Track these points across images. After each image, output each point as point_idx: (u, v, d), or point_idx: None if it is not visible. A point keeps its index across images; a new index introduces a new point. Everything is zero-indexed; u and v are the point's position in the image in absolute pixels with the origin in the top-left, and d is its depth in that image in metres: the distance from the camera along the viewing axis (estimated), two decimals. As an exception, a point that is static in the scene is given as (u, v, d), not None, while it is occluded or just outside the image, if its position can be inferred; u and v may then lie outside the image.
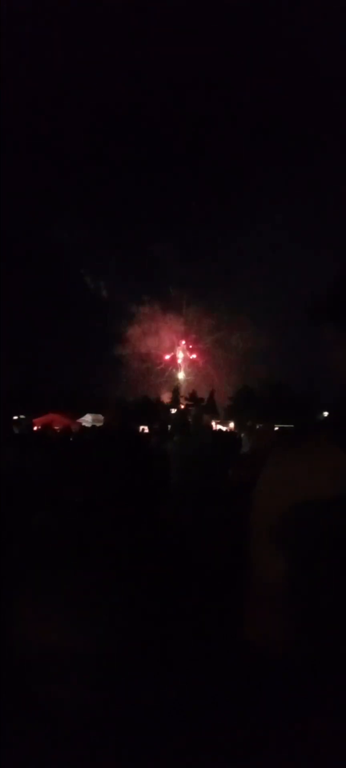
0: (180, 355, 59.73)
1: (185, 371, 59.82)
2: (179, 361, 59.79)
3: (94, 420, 22.14)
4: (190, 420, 5.64)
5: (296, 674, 0.73)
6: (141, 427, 14.89)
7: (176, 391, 55.23)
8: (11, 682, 0.90)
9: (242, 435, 8.29)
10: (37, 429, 11.10)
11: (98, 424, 12.97)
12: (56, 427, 11.96)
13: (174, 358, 59.48)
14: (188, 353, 59.66)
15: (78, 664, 0.91)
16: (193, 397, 50.91)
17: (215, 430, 15.30)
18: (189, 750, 0.76)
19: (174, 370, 59.70)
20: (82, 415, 28.44)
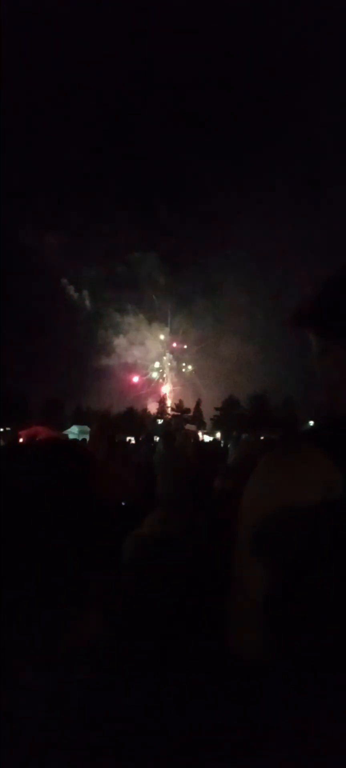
0: (166, 365, 59.34)
1: (172, 381, 59.49)
2: (165, 371, 59.39)
3: (80, 431, 21.94)
4: (174, 430, 5.64)
5: (295, 675, 0.73)
6: (128, 438, 14.79)
7: (162, 402, 54.86)
8: (10, 682, 0.90)
9: (228, 445, 8.29)
10: (22, 441, 10.95)
11: (85, 436, 12.85)
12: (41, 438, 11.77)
13: (160, 368, 59.09)
14: (174, 363, 59.35)
15: (77, 665, 0.91)
16: (179, 408, 50.70)
17: (201, 441, 15.26)
18: (189, 750, 0.76)
19: (160, 381, 59.32)
20: (69, 426, 28.14)
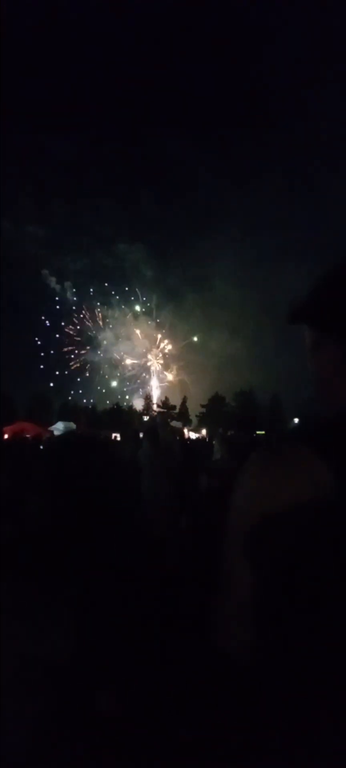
0: (153, 361, 59.04)
1: (158, 377, 59.21)
2: (152, 366, 59.08)
3: (66, 428, 21.80)
4: (159, 427, 5.62)
5: (292, 675, 0.73)
6: (113, 435, 14.75)
7: (148, 398, 54.69)
8: (11, 682, 0.89)
9: (214, 442, 8.31)
10: (7, 437, 10.87)
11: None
12: (27, 435, 11.71)
13: (146, 364, 58.74)
14: (161, 359, 59.03)
15: (76, 665, 0.90)
16: (165, 404, 50.64)
17: (187, 438, 15.28)
18: (189, 750, 0.76)
19: (146, 377, 59.01)
20: (54, 422, 27.97)
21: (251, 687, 0.74)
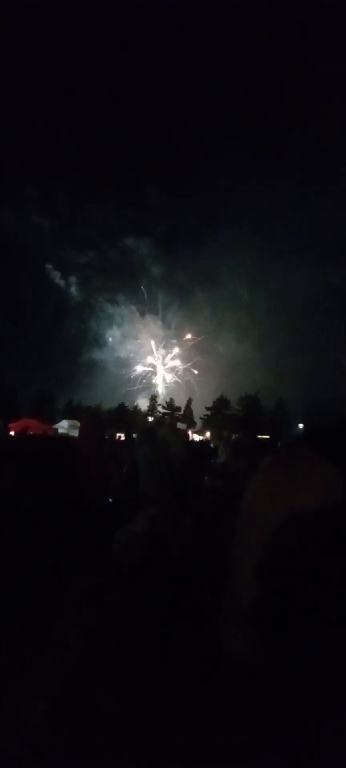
0: (159, 361, 58.91)
1: (164, 378, 59.05)
2: (158, 367, 58.93)
3: (70, 426, 21.91)
4: (161, 428, 5.63)
5: (295, 675, 0.73)
6: (117, 435, 14.80)
7: (153, 399, 54.69)
8: (10, 682, 0.89)
9: (218, 445, 8.31)
10: (13, 435, 10.91)
11: (75, 431, 12.85)
12: (32, 433, 11.77)
13: (152, 364, 58.57)
14: (167, 359, 58.85)
15: (76, 665, 0.90)
16: (170, 406, 50.75)
17: (191, 440, 15.30)
18: (189, 750, 0.76)
19: (152, 377, 58.87)
20: (59, 420, 28.12)
21: (253, 688, 0.74)
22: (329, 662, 0.72)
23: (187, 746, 0.76)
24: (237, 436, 6.72)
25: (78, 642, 0.96)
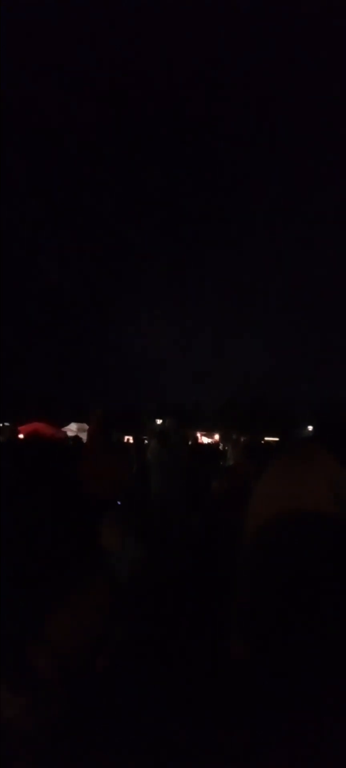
0: (167, 363, 58.42)
1: (171, 377, 58.48)
2: (166, 365, 58.33)
3: (79, 429, 21.95)
4: (171, 430, 5.62)
5: (295, 674, 0.73)
6: (126, 438, 14.83)
7: (161, 402, 54.43)
8: (9, 681, 0.89)
9: (227, 447, 8.29)
10: (22, 437, 10.98)
11: (83, 433, 12.88)
12: (41, 436, 11.82)
13: (161, 362, 57.91)
14: (173, 358, 58.26)
15: (76, 665, 0.91)
16: (178, 407, 50.65)
17: (200, 442, 15.28)
18: (189, 750, 0.76)
19: (160, 375, 58.18)
20: (68, 423, 28.18)
21: (253, 688, 0.74)
22: (331, 663, 0.72)
23: (187, 746, 0.76)
24: (245, 438, 6.70)
25: (78, 641, 0.96)
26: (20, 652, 0.92)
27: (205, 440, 23.48)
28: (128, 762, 0.78)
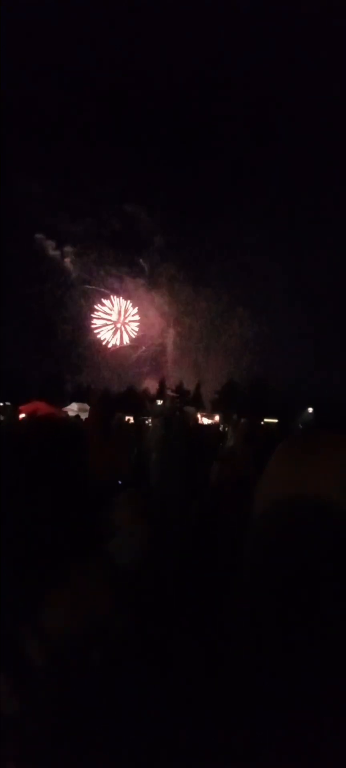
0: (167, 341, 57.73)
1: (173, 359, 57.76)
2: (166, 347, 57.64)
3: (79, 409, 21.99)
4: (172, 411, 5.61)
5: (296, 674, 0.73)
6: (126, 418, 14.82)
7: (162, 381, 54.09)
8: (9, 681, 0.90)
9: (227, 429, 8.30)
10: (23, 417, 10.97)
11: (84, 414, 12.87)
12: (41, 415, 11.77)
13: (161, 344, 57.20)
14: (175, 339, 57.55)
15: (76, 663, 0.91)
16: (179, 388, 50.49)
17: (200, 423, 15.29)
18: (189, 750, 0.76)
19: (161, 357, 57.52)
20: (69, 403, 28.19)
21: (253, 688, 0.74)
22: (333, 662, 0.72)
23: (187, 746, 0.76)
24: (245, 420, 6.70)
25: (75, 630, 0.96)
26: (17, 644, 0.92)
27: (205, 421, 23.52)
28: (128, 762, 0.79)
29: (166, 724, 0.80)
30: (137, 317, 53.58)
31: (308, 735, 0.69)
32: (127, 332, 53.42)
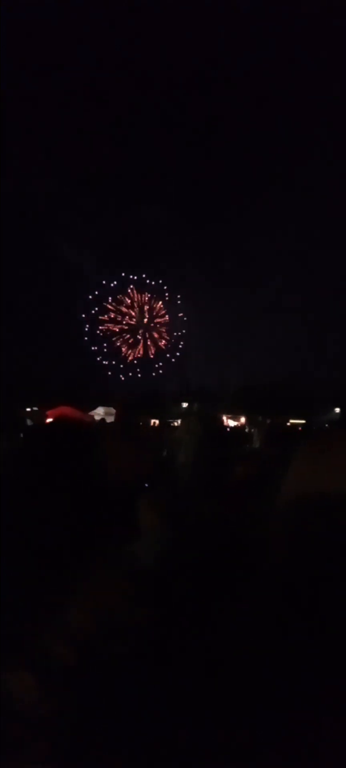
0: (188, 343, 57.07)
1: (193, 359, 56.95)
2: (188, 349, 56.95)
3: (106, 413, 22.16)
4: (198, 414, 5.62)
5: (297, 674, 0.73)
6: (152, 421, 14.91)
7: (185, 384, 53.69)
8: (10, 681, 0.92)
9: (253, 430, 8.25)
10: (50, 421, 11.14)
11: (110, 417, 13.00)
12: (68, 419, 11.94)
13: (184, 346, 56.54)
14: (198, 341, 56.87)
15: (77, 664, 0.92)
16: (202, 389, 50.15)
17: (225, 425, 15.23)
18: (189, 750, 0.77)
19: (183, 359, 56.85)
20: (94, 407, 28.43)
21: (253, 688, 0.74)
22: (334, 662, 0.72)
23: (187, 746, 0.77)
24: (271, 421, 6.65)
25: (97, 625, 0.97)
26: (36, 637, 0.94)
27: (231, 423, 23.38)
28: (128, 762, 0.79)
29: (166, 724, 0.80)
30: (167, 317, 53.50)
31: (308, 735, 0.69)
32: (153, 338, 53.49)
